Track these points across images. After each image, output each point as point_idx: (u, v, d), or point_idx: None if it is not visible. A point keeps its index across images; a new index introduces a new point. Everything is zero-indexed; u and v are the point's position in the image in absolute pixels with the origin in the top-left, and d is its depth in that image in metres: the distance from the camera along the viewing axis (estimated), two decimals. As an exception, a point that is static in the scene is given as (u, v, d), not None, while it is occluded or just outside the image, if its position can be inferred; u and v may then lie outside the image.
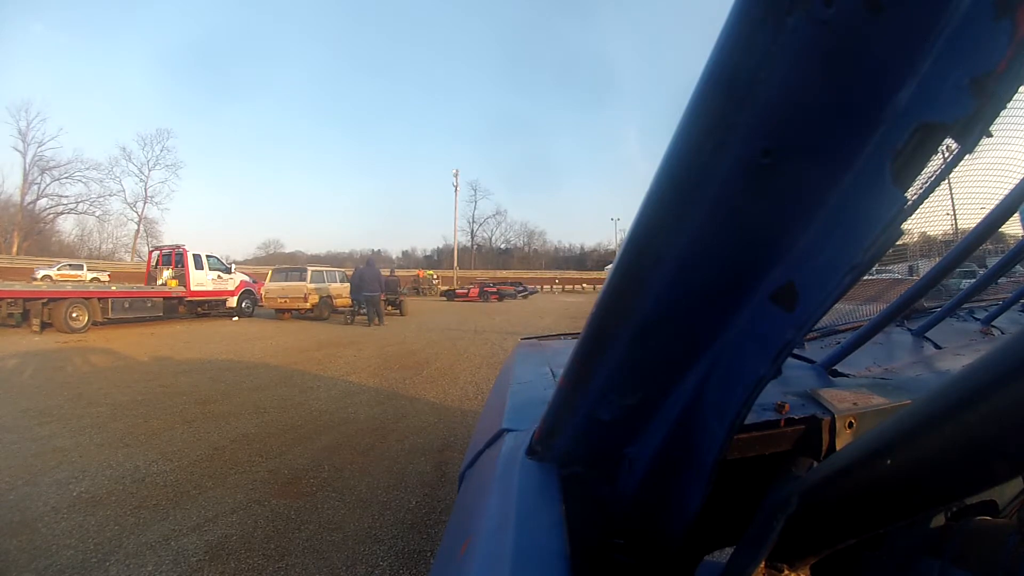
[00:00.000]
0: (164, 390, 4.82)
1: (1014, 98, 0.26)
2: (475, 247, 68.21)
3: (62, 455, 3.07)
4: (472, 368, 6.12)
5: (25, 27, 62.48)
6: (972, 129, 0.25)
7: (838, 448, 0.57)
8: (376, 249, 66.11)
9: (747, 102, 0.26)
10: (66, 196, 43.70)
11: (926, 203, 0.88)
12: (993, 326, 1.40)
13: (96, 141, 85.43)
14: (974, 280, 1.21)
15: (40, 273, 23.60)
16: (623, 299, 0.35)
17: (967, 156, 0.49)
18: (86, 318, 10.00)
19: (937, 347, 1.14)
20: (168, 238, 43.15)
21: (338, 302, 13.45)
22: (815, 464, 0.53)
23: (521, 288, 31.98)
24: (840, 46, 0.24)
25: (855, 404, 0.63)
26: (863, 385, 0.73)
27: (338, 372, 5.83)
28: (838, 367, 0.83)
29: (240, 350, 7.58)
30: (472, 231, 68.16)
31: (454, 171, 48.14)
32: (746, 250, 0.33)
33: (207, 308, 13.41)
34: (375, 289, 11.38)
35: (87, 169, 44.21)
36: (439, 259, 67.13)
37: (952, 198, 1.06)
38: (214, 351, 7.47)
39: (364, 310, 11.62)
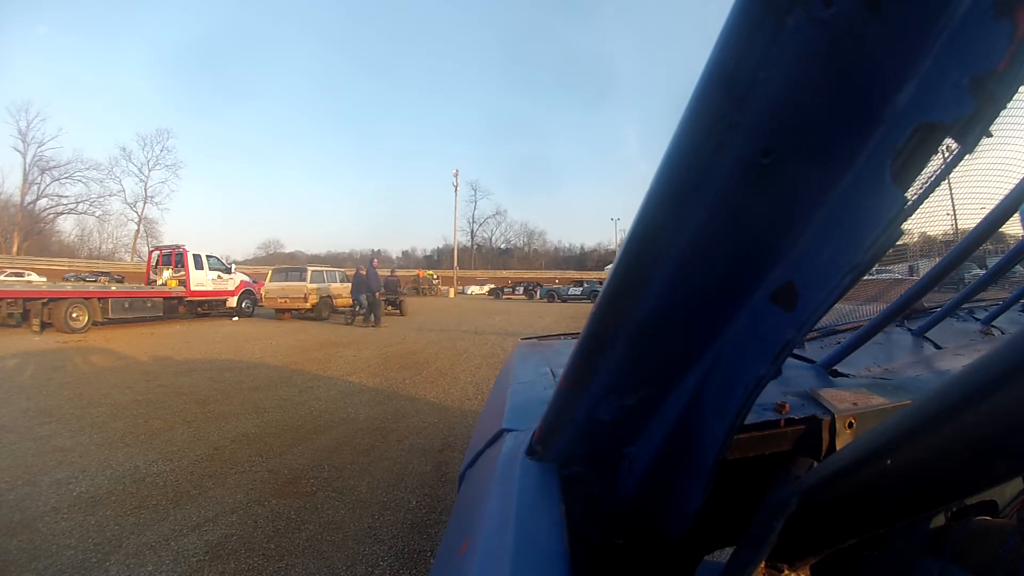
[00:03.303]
0: (164, 390, 4.82)
1: (1014, 98, 0.26)
2: (475, 247, 68.22)
3: (62, 455, 3.07)
4: (472, 368, 6.12)
5: (29, 28, 62.50)
6: (972, 129, 0.25)
7: (838, 448, 0.57)
8: (377, 249, 66.18)
9: (747, 102, 0.26)
10: (66, 196, 43.79)
11: (926, 203, 0.88)
12: (993, 326, 1.40)
13: (96, 141, 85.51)
14: (975, 280, 1.21)
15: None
16: (623, 299, 0.35)
17: (967, 156, 0.49)
18: (86, 318, 9.99)
19: (937, 347, 1.14)
20: (168, 238, 43.21)
21: (338, 302, 13.45)
22: (815, 464, 0.53)
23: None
24: (840, 46, 0.24)
25: (855, 404, 0.63)
26: (863, 385, 0.73)
27: (338, 372, 5.83)
28: (838, 367, 0.83)
29: (240, 350, 7.58)
30: (472, 231, 68.23)
31: (454, 171, 48.13)
32: (746, 250, 0.33)
33: (207, 308, 13.41)
34: (374, 288, 11.35)
35: (87, 169, 44.29)
36: (439, 259, 67.10)
37: (952, 198, 1.05)
38: (214, 351, 7.47)
39: (364, 310, 11.61)
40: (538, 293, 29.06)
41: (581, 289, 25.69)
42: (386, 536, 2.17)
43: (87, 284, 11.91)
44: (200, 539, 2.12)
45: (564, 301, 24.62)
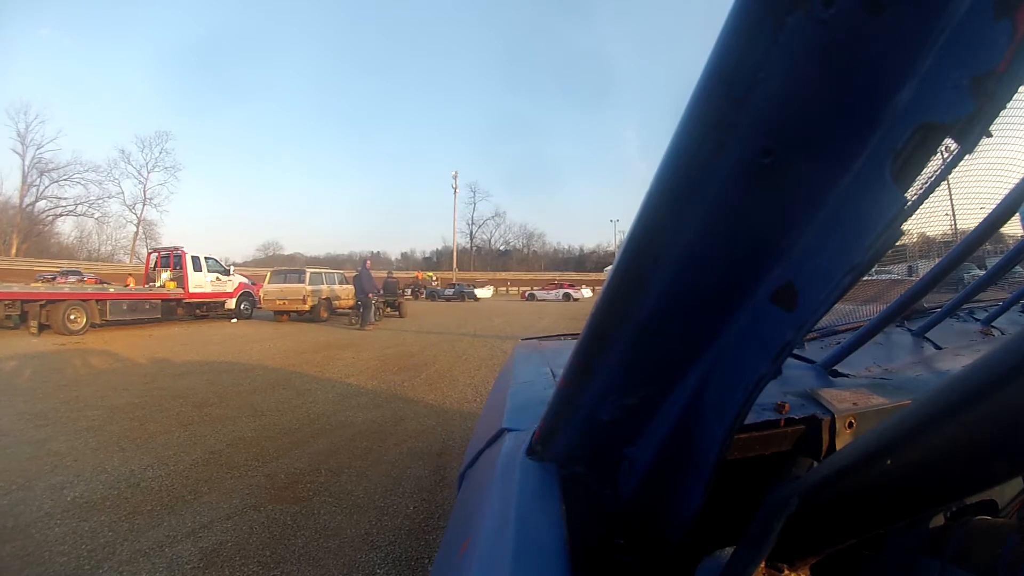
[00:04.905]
0: (161, 393, 4.79)
1: (1014, 98, 0.26)
2: (474, 249, 68.31)
3: (57, 459, 3.04)
4: (471, 370, 6.11)
5: (31, 30, 62.42)
6: (972, 129, 0.25)
7: (838, 448, 0.57)
8: (375, 251, 66.25)
9: (747, 102, 0.26)
10: (65, 198, 43.66)
11: (926, 203, 0.89)
12: (993, 326, 1.40)
13: (95, 143, 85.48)
14: (974, 280, 1.21)
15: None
16: (623, 299, 0.35)
17: (967, 156, 0.49)
18: (84, 320, 9.96)
19: (937, 347, 1.15)
20: (167, 240, 42.98)
21: (337, 304, 13.42)
22: (815, 464, 0.53)
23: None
24: (840, 46, 0.24)
25: (855, 404, 0.63)
26: (863, 385, 0.73)
27: (336, 375, 5.81)
28: (838, 367, 0.84)
29: (238, 352, 7.55)
30: (471, 232, 68.35)
31: (453, 173, 48.46)
32: (746, 250, 0.33)
33: (205, 310, 13.38)
34: (366, 290, 11.33)
35: (86, 171, 44.10)
36: (438, 261, 67.13)
37: (952, 198, 1.06)
38: (212, 353, 7.44)
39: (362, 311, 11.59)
40: (424, 293, 34.80)
41: (452, 290, 31.74)
42: (383, 542, 2.15)
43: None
44: (195, 546, 2.10)
45: (447, 300, 29.74)
